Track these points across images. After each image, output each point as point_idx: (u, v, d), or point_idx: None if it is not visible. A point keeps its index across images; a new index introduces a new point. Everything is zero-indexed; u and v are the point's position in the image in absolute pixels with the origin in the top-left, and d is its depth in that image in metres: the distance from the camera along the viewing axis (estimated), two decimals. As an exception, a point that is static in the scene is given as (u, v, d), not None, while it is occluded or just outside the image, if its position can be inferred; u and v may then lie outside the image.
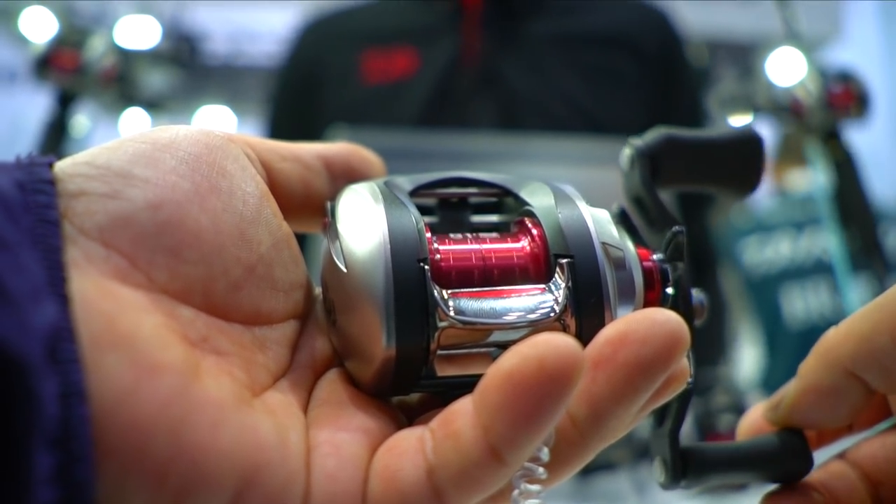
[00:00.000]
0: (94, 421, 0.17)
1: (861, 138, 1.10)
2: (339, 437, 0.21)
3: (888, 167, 2.17)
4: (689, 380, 0.23)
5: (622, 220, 0.28)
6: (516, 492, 0.20)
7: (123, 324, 0.18)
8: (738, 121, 1.36)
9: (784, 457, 0.27)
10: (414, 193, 0.26)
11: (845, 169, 1.02)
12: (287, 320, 0.25)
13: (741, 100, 1.39)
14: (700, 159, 0.31)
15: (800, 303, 1.71)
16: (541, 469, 0.20)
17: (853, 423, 0.30)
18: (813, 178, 1.56)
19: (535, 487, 0.20)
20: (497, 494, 0.20)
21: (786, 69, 1.14)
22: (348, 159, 0.29)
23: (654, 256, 0.26)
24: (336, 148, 0.29)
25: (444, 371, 0.23)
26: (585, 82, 0.96)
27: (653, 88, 0.98)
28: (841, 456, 0.29)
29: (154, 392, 0.18)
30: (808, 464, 0.28)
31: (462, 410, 0.19)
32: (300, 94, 1.01)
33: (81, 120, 1.08)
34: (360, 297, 0.22)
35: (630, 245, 0.25)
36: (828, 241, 1.54)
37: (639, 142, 0.29)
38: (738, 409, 0.78)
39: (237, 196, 0.23)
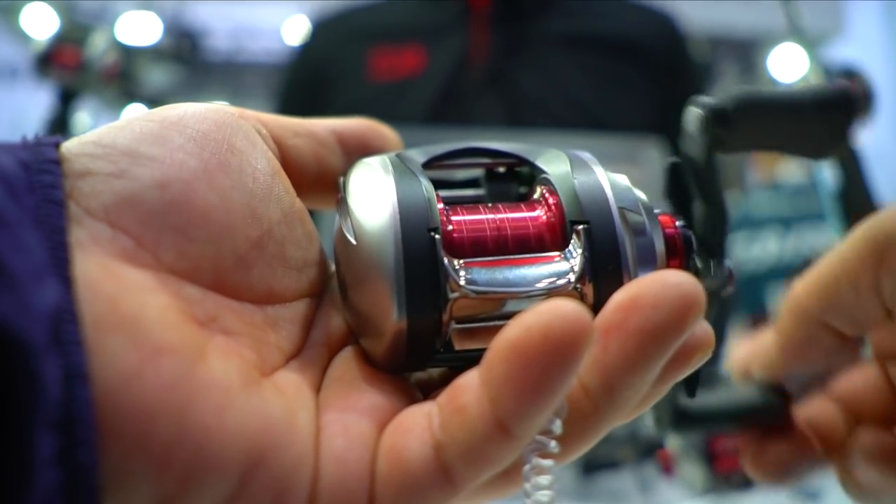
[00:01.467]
0: (97, 404, 0.16)
1: (865, 134, 1.09)
2: (349, 416, 0.20)
3: (892, 163, 2.17)
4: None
5: (670, 178, 0.27)
6: (527, 466, 0.19)
7: (128, 305, 0.18)
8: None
9: (763, 411, 0.30)
10: (428, 165, 0.26)
11: (850, 166, 1.01)
12: (301, 298, 0.24)
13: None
14: (781, 125, 0.29)
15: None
16: (553, 443, 0.19)
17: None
18: (815, 176, 1.55)
19: (547, 462, 0.19)
20: (509, 469, 0.19)
21: (788, 65, 1.14)
22: (364, 134, 0.28)
23: (678, 223, 0.25)
24: (351, 123, 0.28)
25: (463, 344, 0.22)
26: (593, 85, 0.96)
27: (659, 92, 0.98)
28: (823, 391, 0.31)
29: (158, 374, 0.17)
30: (785, 419, 0.30)
31: (469, 384, 0.19)
32: (307, 93, 1.01)
33: (83, 117, 1.08)
34: (369, 270, 0.22)
35: (651, 210, 0.24)
36: (829, 239, 1.53)
37: (712, 101, 0.28)
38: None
39: (247, 173, 0.22)
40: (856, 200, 1.02)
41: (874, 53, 2.87)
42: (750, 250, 1.78)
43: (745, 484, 0.72)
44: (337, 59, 1.00)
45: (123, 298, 0.18)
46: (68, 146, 0.20)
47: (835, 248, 0.28)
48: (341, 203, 0.24)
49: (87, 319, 0.17)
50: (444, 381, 0.22)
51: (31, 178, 0.18)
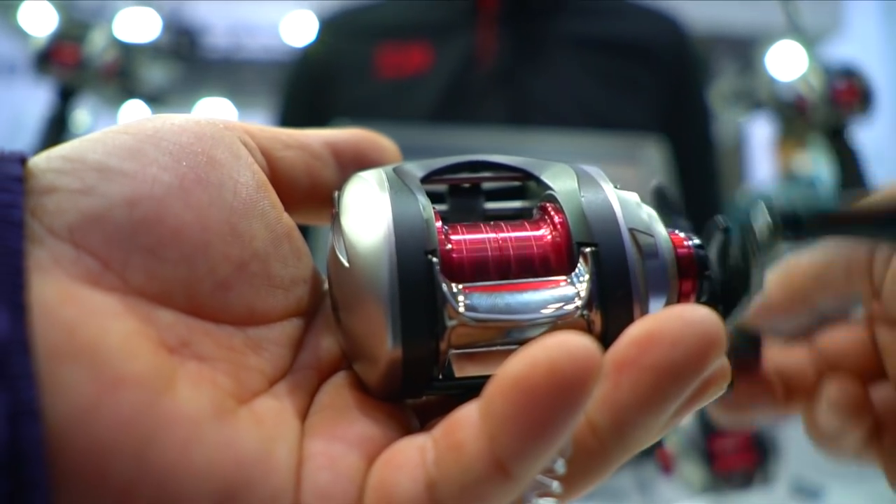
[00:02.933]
0: (49, 442, 0.15)
1: (863, 134, 1.09)
2: (335, 447, 0.19)
3: (890, 162, 2.17)
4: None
5: (659, 199, 0.26)
6: None
7: (87, 332, 0.17)
8: (740, 117, 1.35)
9: (737, 351, 0.25)
10: (427, 179, 0.24)
11: (849, 165, 1.01)
12: (288, 318, 0.23)
13: (742, 95, 1.39)
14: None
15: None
16: (555, 483, 0.18)
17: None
18: (816, 175, 1.55)
19: (548, 503, 0.18)
20: None
21: (786, 63, 1.14)
22: (358, 145, 0.27)
23: (690, 242, 0.23)
24: (345, 134, 0.27)
25: (464, 371, 0.21)
26: (600, 87, 0.96)
27: (665, 95, 0.98)
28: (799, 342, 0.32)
29: (117, 407, 0.16)
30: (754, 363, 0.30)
31: (467, 419, 0.17)
32: (313, 91, 1.00)
33: (82, 114, 1.08)
34: (362, 294, 0.20)
35: (662, 230, 0.23)
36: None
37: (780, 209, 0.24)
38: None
39: (227, 187, 0.21)
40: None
41: (872, 51, 2.87)
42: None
43: (745, 483, 0.72)
44: (343, 56, 0.99)
45: (83, 325, 0.17)
46: (36, 161, 0.19)
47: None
48: (334, 220, 0.23)
49: (41, 349, 0.16)
50: (444, 407, 0.21)
51: None
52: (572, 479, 0.18)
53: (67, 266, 0.18)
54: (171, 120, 0.22)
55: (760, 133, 3.02)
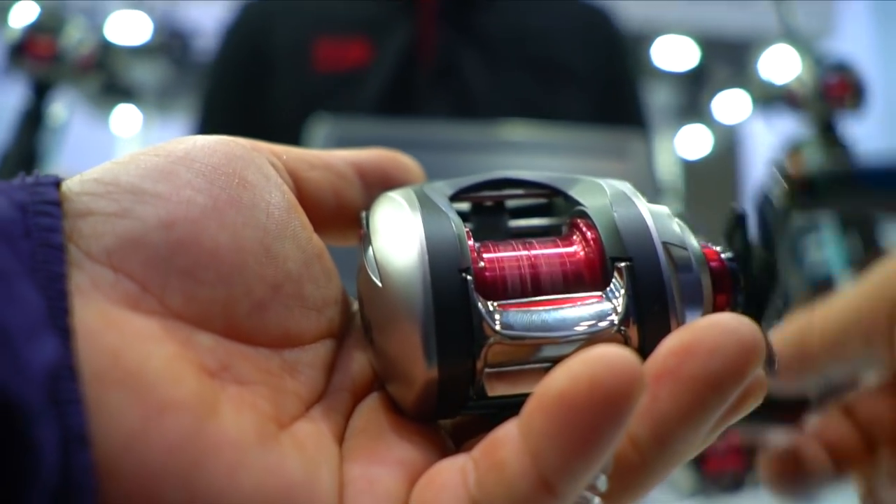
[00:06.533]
0: (98, 468, 0.15)
1: (855, 129, 1.09)
2: (375, 470, 0.19)
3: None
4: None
5: (735, 227, 0.25)
6: None
7: (130, 357, 0.17)
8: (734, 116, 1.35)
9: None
10: (455, 198, 0.25)
11: (840, 161, 1.01)
12: (320, 340, 0.23)
13: (736, 94, 1.39)
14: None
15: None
16: (597, 500, 0.18)
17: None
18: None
19: None
20: None
21: (780, 66, 1.14)
22: (383, 166, 0.27)
23: (723, 255, 0.23)
24: (368, 154, 0.27)
25: (496, 390, 0.21)
26: (537, 79, 0.97)
27: (599, 86, 1.00)
28: (838, 405, 0.30)
29: (164, 433, 0.16)
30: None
31: (507, 437, 0.17)
32: (247, 74, 0.96)
33: (58, 109, 1.06)
34: (396, 314, 0.20)
35: (695, 243, 0.22)
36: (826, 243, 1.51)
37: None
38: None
39: (260, 209, 0.21)
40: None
41: (864, 54, 2.88)
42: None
43: (735, 486, 0.71)
44: (278, 40, 0.95)
45: (126, 350, 0.17)
46: (69, 185, 0.19)
47: (845, 295, 0.27)
48: (364, 241, 0.23)
49: (86, 375, 0.16)
50: (476, 427, 0.21)
51: (27, 222, 0.17)
52: (614, 495, 0.18)
53: (107, 290, 0.18)
54: (199, 141, 0.22)
55: (759, 132, 3.02)
